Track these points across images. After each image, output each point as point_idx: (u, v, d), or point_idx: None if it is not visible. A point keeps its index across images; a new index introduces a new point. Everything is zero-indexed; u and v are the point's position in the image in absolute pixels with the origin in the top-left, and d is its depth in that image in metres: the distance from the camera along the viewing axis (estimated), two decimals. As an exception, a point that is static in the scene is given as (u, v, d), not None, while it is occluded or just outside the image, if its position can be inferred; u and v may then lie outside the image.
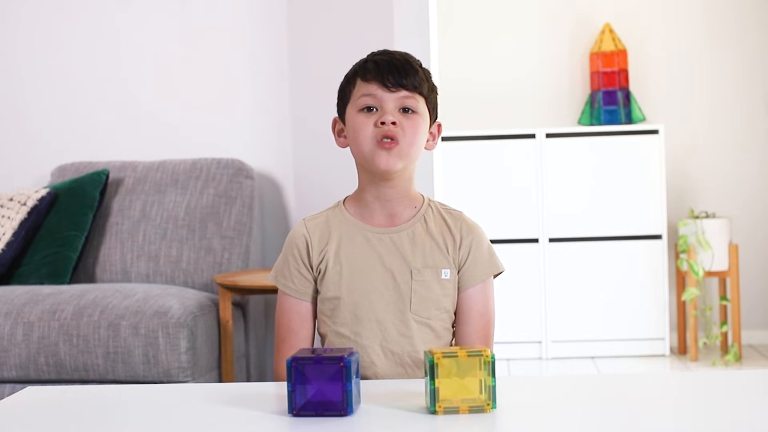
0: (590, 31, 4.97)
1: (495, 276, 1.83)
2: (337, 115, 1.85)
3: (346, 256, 1.77)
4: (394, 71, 1.75)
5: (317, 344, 1.81)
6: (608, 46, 4.82)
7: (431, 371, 1.41)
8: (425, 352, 1.45)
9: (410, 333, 1.75)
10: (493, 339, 1.83)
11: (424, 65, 1.85)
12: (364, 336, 1.75)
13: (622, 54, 4.81)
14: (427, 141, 1.82)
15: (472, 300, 1.79)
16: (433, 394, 1.41)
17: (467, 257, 1.78)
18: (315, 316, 1.82)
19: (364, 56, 1.82)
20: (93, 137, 3.77)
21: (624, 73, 4.82)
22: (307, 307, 1.80)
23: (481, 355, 1.42)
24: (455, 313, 1.80)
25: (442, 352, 1.42)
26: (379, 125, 1.73)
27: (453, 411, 1.42)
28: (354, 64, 1.82)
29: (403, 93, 1.75)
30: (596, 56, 4.83)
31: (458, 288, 1.79)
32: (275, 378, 1.81)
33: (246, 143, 3.71)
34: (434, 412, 1.41)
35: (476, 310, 1.79)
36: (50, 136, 3.78)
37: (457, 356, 1.41)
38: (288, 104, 3.68)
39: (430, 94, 1.80)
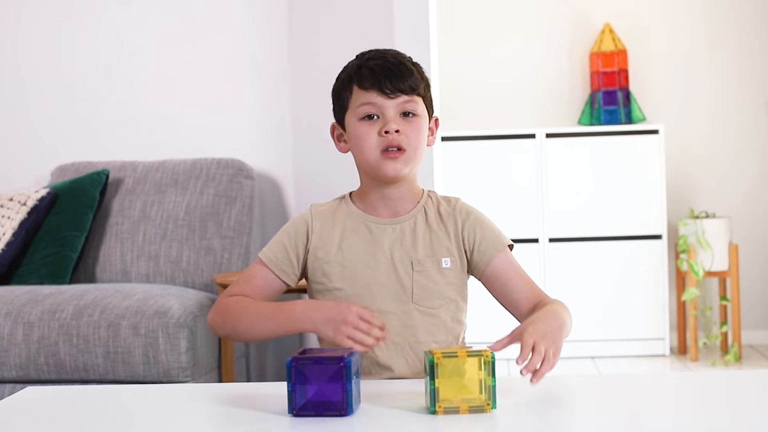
0: (590, 31, 4.97)
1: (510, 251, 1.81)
2: (334, 120, 1.85)
3: (349, 247, 1.77)
4: (392, 76, 1.74)
5: (317, 344, 1.81)
6: (608, 46, 4.82)
7: (431, 371, 1.41)
8: (425, 353, 1.45)
9: (413, 323, 1.75)
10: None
11: (421, 63, 1.85)
12: None
13: (622, 54, 4.81)
14: (427, 137, 1.82)
15: (500, 265, 1.78)
16: (433, 394, 1.41)
17: (475, 237, 1.78)
18: (278, 294, 1.80)
19: (355, 59, 1.81)
20: (93, 137, 3.77)
21: (624, 73, 4.82)
22: (277, 282, 1.79)
23: (481, 355, 1.42)
24: (492, 290, 1.79)
25: (442, 352, 1.42)
26: (383, 134, 1.73)
27: (453, 411, 1.42)
28: (346, 66, 1.81)
29: (403, 98, 1.75)
30: (596, 56, 4.83)
31: (479, 269, 1.78)
32: (210, 312, 1.77)
33: (246, 143, 3.70)
34: (434, 412, 1.41)
35: (510, 271, 1.78)
36: (50, 136, 3.78)
37: (456, 356, 1.41)
38: (288, 104, 3.68)
39: (426, 92, 1.80)
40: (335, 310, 1.60)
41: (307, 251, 1.79)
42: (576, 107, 5.00)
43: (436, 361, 1.41)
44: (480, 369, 1.42)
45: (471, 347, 1.45)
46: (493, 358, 1.43)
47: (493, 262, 1.78)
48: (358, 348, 1.54)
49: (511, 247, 1.82)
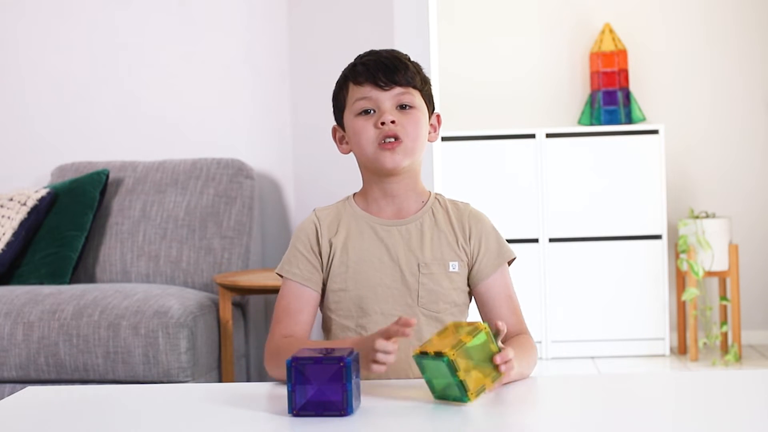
0: (590, 31, 4.97)
1: (509, 264, 1.81)
2: (335, 122, 1.85)
3: (354, 247, 1.76)
4: (385, 69, 1.74)
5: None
6: (608, 46, 4.82)
7: (450, 368, 1.41)
8: (424, 354, 1.45)
9: (418, 327, 1.73)
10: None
11: (421, 63, 1.85)
12: (368, 329, 1.73)
13: (622, 54, 4.81)
14: (429, 133, 1.81)
15: (495, 287, 1.78)
16: (462, 386, 1.42)
17: (479, 249, 1.77)
18: (317, 307, 1.79)
19: (352, 61, 1.82)
20: (93, 137, 3.77)
21: (624, 73, 4.82)
22: (310, 293, 1.76)
23: (479, 329, 1.44)
24: (480, 306, 1.79)
25: (451, 347, 1.42)
26: (380, 126, 1.73)
27: (482, 391, 1.44)
28: (343, 69, 1.82)
29: (398, 90, 1.75)
30: (596, 56, 4.83)
31: (475, 280, 1.77)
32: (264, 358, 1.77)
33: (246, 143, 3.71)
34: (468, 401, 1.43)
35: (502, 294, 1.78)
36: (50, 136, 3.78)
37: (465, 344, 1.42)
38: (288, 104, 3.68)
39: (423, 86, 1.80)
40: (360, 348, 1.56)
41: (321, 253, 1.78)
42: (576, 107, 5.00)
43: (452, 358, 1.41)
44: (486, 341, 1.44)
45: (462, 324, 1.48)
46: (487, 328, 1.46)
47: (488, 280, 1.78)
48: (382, 369, 1.52)
49: (512, 260, 1.81)
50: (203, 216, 3.41)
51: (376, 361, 1.51)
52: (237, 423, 1.42)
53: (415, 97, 1.77)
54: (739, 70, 4.94)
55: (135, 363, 2.85)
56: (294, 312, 1.75)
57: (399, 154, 1.73)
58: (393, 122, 1.73)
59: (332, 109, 1.84)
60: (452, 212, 1.80)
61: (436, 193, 1.84)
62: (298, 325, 1.75)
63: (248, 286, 3.01)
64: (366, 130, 1.74)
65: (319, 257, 1.77)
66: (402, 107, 1.75)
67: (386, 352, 1.51)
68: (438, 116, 1.85)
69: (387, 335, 1.52)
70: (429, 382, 1.48)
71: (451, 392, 1.45)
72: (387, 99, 1.74)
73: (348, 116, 1.78)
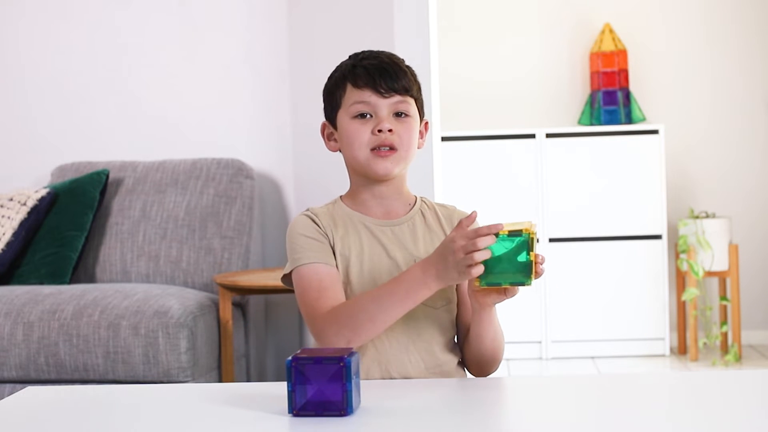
0: (590, 31, 4.97)
1: None
2: (325, 119, 1.85)
3: (352, 243, 1.76)
4: (386, 76, 1.74)
5: (314, 344, 1.80)
6: (608, 46, 4.82)
7: (527, 246, 1.52)
8: (507, 235, 1.53)
9: (416, 323, 1.74)
10: None
11: (421, 63, 1.85)
12: None
13: (622, 54, 4.81)
14: (417, 140, 1.82)
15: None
16: (530, 267, 1.53)
17: None
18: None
19: (349, 59, 1.81)
20: (93, 137, 3.77)
21: (624, 73, 4.82)
22: (335, 270, 1.73)
23: (531, 230, 1.53)
24: (459, 304, 1.79)
25: (529, 226, 1.52)
26: (376, 133, 1.74)
27: (530, 281, 1.55)
28: (339, 66, 1.81)
29: (396, 98, 1.75)
30: (596, 56, 4.83)
31: None
32: (319, 331, 1.68)
33: (246, 143, 3.71)
34: (529, 284, 1.54)
35: None
36: (50, 136, 3.78)
37: (531, 233, 1.52)
38: (288, 104, 3.68)
39: (418, 94, 1.81)
40: (445, 255, 1.57)
41: (326, 236, 1.77)
42: (576, 107, 5.00)
43: (532, 236, 1.51)
44: (531, 242, 1.53)
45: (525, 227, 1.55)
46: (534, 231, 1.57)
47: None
48: (481, 269, 1.54)
49: None
50: (203, 216, 3.41)
51: (471, 265, 1.54)
52: (237, 423, 1.42)
53: (411, 106, 1.78)
54: (739, 70, 4.94)
55: (135, 363, 2.85)
56: (329, 286, 1.70)
57: (391, 163, 1.74)
58: (390, 131, 1.73)
59: (323, 105, 1.84)
60: (441, 213, 1.82)
61: (422, 197, 1.85)
62: (339, 295, 1.71)
63: (248, 286, 3.01)
64: (361, 135, 1.75)
65: (327, 238, 1.76)
66: (397, 114, 1.76)
67: (480, 250, 1.53)
68: (426, 123, 1.86)
69: (466, 234, 1.55)
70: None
71: (510, 276, 1.54)
72: (385, 106, 1.75)
73: (342, 117, 1.78)
